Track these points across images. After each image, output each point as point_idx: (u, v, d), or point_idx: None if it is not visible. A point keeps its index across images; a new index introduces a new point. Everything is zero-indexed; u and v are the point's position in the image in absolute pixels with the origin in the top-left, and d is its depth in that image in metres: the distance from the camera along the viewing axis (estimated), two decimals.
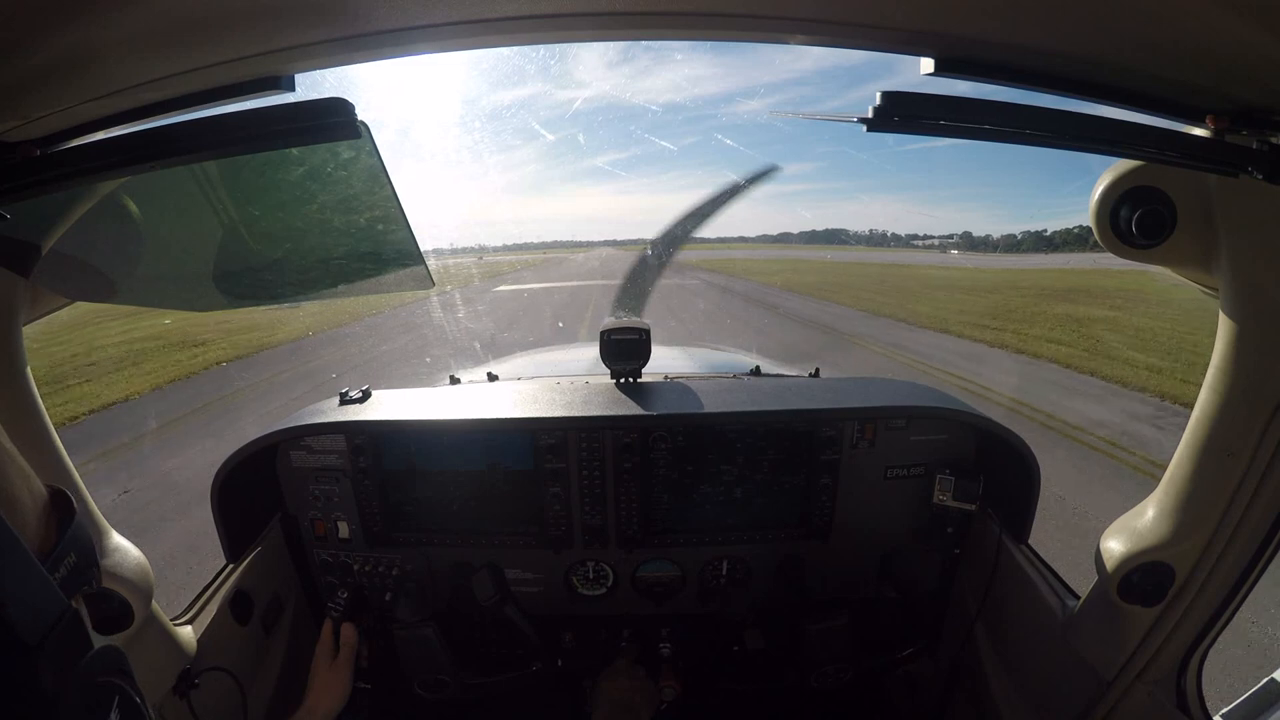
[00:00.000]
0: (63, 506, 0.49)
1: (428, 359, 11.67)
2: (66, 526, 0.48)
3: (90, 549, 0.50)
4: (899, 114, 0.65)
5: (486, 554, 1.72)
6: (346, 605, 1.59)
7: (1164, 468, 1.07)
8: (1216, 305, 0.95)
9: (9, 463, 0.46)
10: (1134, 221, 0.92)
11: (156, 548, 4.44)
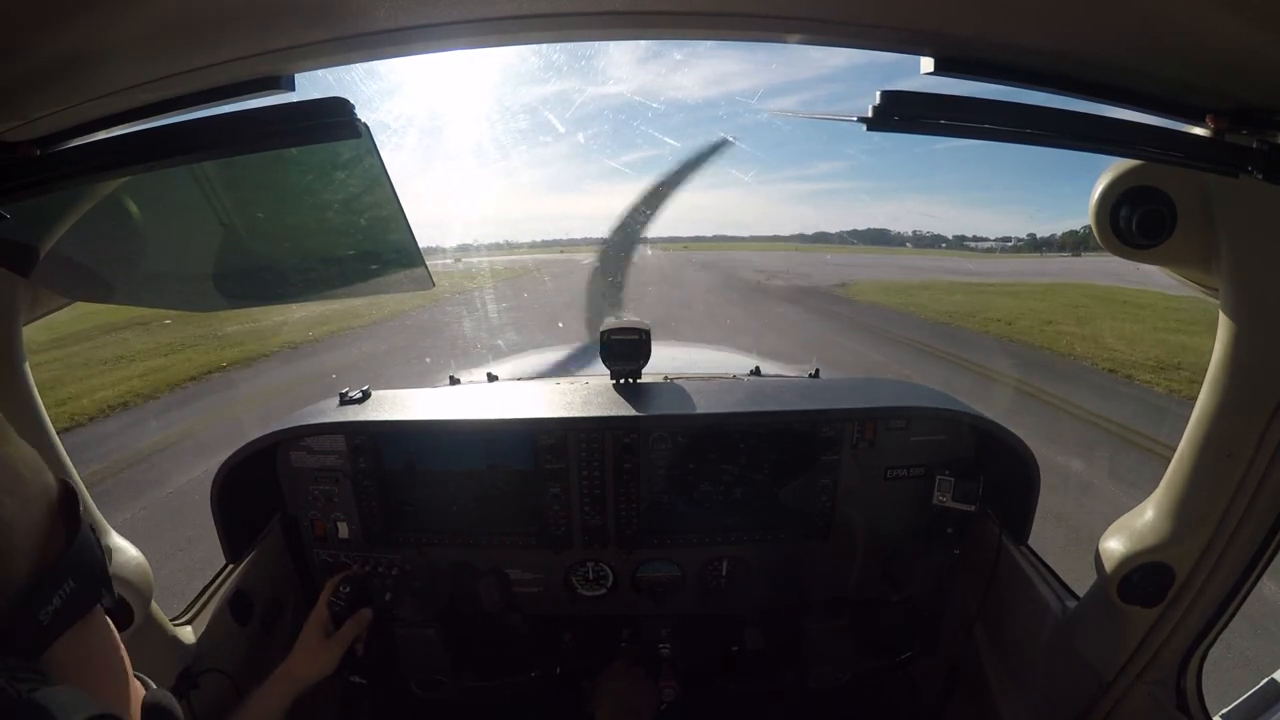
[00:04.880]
0: (67, 509, 0.48)
1: (427, 359, 11.58)
2: (71, 535, 0.47)
3: (98, 563, 0.49)
4: (899, 114, 0.65)
5: (486, 554, 1.72)
6: (349, 599, 1.59)
7: None
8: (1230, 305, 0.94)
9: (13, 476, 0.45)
10: (1134, 221, 0.92)
11: None
